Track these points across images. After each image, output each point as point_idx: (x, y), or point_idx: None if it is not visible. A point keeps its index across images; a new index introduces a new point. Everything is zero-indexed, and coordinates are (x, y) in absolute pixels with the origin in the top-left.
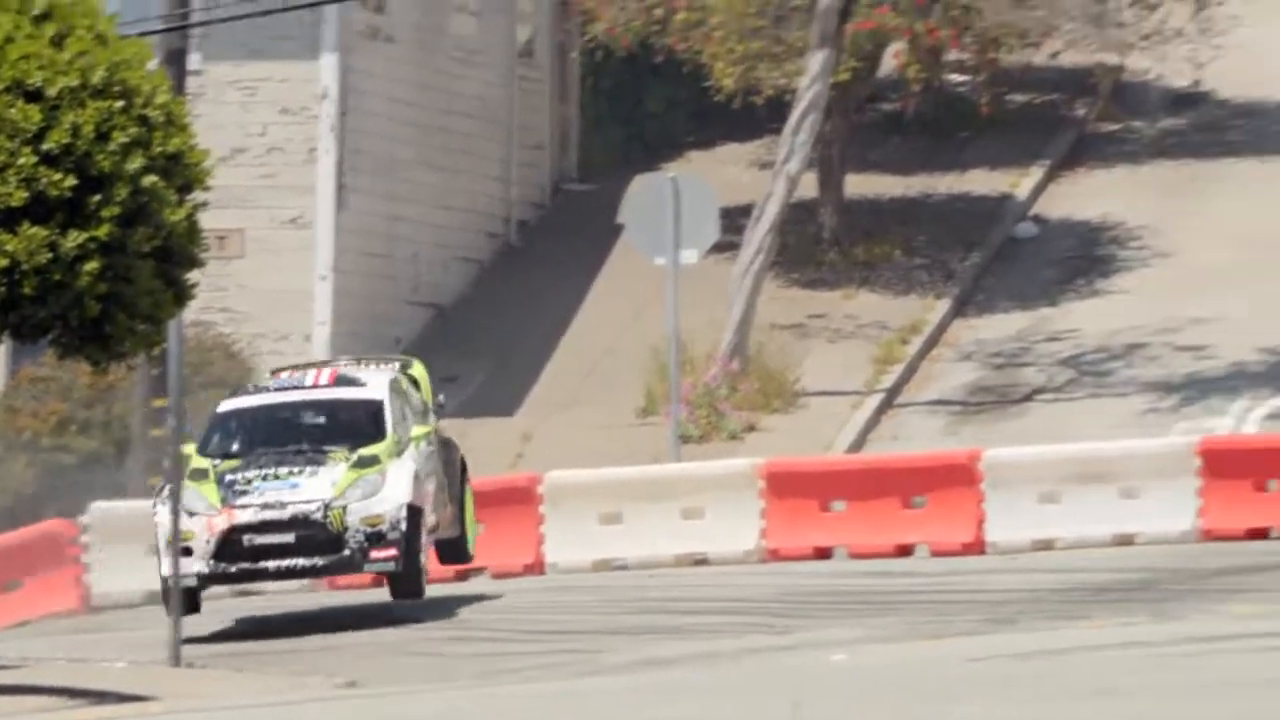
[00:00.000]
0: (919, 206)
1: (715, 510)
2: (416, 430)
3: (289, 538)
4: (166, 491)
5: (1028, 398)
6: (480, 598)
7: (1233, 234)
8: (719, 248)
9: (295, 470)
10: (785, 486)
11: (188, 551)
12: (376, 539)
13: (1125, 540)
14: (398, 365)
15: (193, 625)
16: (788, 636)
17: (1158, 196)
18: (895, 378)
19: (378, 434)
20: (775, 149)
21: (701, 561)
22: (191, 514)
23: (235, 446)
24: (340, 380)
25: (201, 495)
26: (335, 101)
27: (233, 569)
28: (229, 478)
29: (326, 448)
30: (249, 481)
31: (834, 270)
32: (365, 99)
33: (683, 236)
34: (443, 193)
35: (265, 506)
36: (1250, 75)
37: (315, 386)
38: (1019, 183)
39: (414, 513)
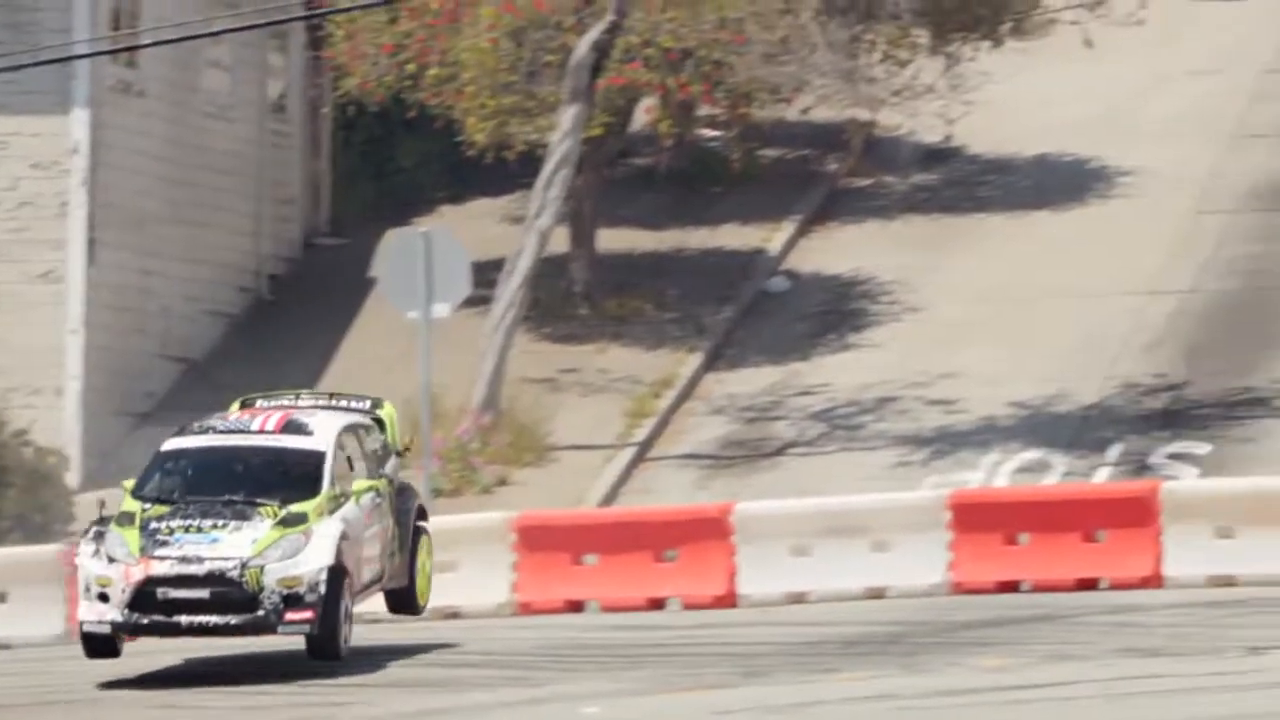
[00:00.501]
0: (671, 261)
1: (467, 563)
2: (359, 484)
3: (204, 594)
4: (92, 533)
5: (779, 451)
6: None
7: (983, 288)
8: (471, 302)
9: (219, 524)
10: (537, 540)
11: (104, 598)
12: (293, 601)
13: (877, 593)
14: (369, 403)
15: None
16: (540, 689)
17: (909, 251)
18: (647, 431)
19: (313, 488)
20: (527, 204)
21: (453, 615)
22: (112, 560)
23: (168, 490)
24: (288, 426)
25: (124, 542)
26: (86, 156)
27: (145, 621)
28: (153, 525)
29: (258, 500)
30: (171, 532)
31: (586, 324)
32: (116, 154)
33: (435, 291)
34: (194, 246)
35: (182, 560)
36: (1000, 131)
37: (260, 432)
38: (771, 237)
39: (335, 575)
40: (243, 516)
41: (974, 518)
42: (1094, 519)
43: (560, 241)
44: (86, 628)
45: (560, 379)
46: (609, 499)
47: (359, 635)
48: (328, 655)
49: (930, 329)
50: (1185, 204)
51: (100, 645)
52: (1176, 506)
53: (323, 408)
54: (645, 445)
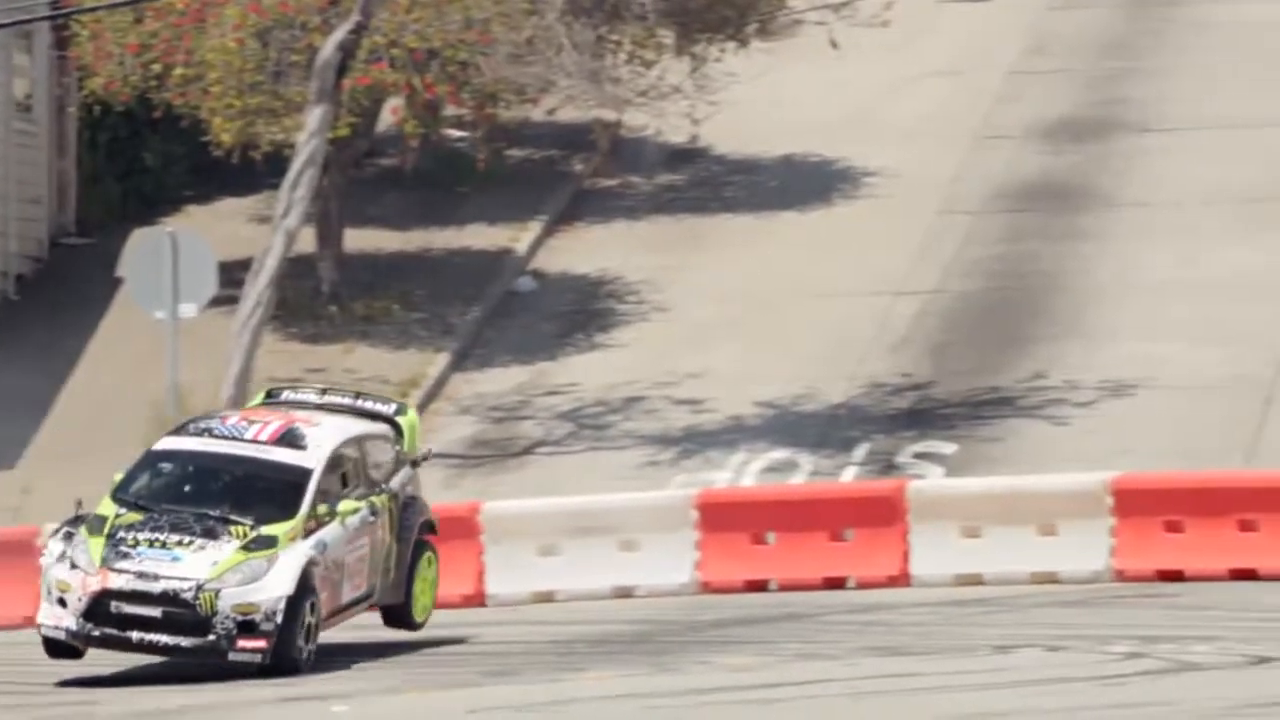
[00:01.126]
0: (418, 261)
1: None
2: (346, 505)
3: (156, 612)
4: (62, 533)
5: (527, 451)
6: None
7: (729, 288)
8: (218, 302)
9: (184, 541)
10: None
11: (63, 603)
12: (247, 628)
13: (625, 592)
14: (393, 408)
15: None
16: (290, 688)
17: (655, 251)
18: None
19: (292, 509)
20: (274, 203)
21: None
22: (74, 566)
23: (147, 495)
24: (283, 437)
25: (88, 549)
26: None
27: (98, 633)
28: (120, 535)
29: (232, 517)
30: (135, 545)
31: (333, 324)
32: None
33: (181, 290)
34: None
35: (139, 576)
36: (746, 132)
37: (254, 441)
38: (518, 237)
39: (294, 606)
40: (211, 535)
41: (721, 517)
42: (841, 518)
43: (307, 241)
44: (44, 631)
45: (307, 379)
46: None
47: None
48: (288, 672)
49: (677, 329)
50: (930, 205)
51: (61, 648)
52: (923, 506)
53: (344, 408)
54: None
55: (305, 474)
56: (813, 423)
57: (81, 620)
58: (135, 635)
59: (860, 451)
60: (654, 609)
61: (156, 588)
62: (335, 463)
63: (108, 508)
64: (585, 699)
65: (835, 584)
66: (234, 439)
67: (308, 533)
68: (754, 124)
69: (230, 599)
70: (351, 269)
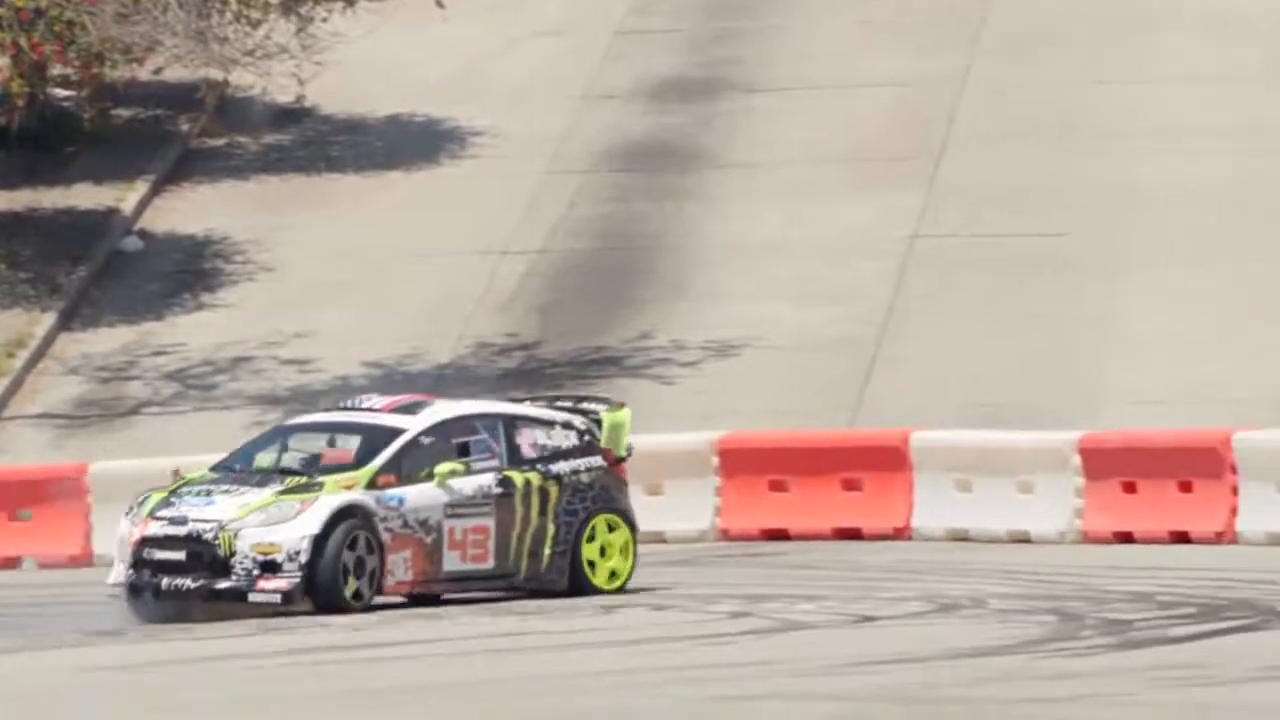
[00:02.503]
0: (24, 221)
1: None
2: (444, 467)
3: (180, 555)
4: (142, 496)
5: (134, 411)
6: None
7: (338, 249)
8: None
9: (232, 490)
10: None
11: (122, 558)
12: (269, 568)
13: None
14: (605, 405)
15: None
16: None
17: (262, 211)
18: (1, 391)
19: (366, 463)
20: None
21: None
22: (135, 522)
23: (241, 458)
24: (400, 408)
25: (148, 504)
26: None
27: (139, 582)
28: (183, 489)
29: (307, 474)
30: (184, 494)
31: None
32: None
33: None
34: None
35: (171, 521)
36: (353, 92)
37: (369, 410)
38: (124, 197)
39: (321, 545)
40: (265, 484)
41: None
42: None
43: None
44: (110, 591)
45: None
46: None
47: None
48: (337, 611)
49: (285, 289)
50: (537, 165)
51: (139, 612)
52: None
53: (550, 400)
54: None
55: (394, 433)
56: (421, 382)
57: (130, 572)
58: (165, 581)
59: None
60: None
61: (183, 530)
62: (445, 431)
63: (198, 473)
64: (186, 660)
65: None
66: (354, 409)
67: (380, 486)
68: (361, 84)
69: (250, 539)
70: None
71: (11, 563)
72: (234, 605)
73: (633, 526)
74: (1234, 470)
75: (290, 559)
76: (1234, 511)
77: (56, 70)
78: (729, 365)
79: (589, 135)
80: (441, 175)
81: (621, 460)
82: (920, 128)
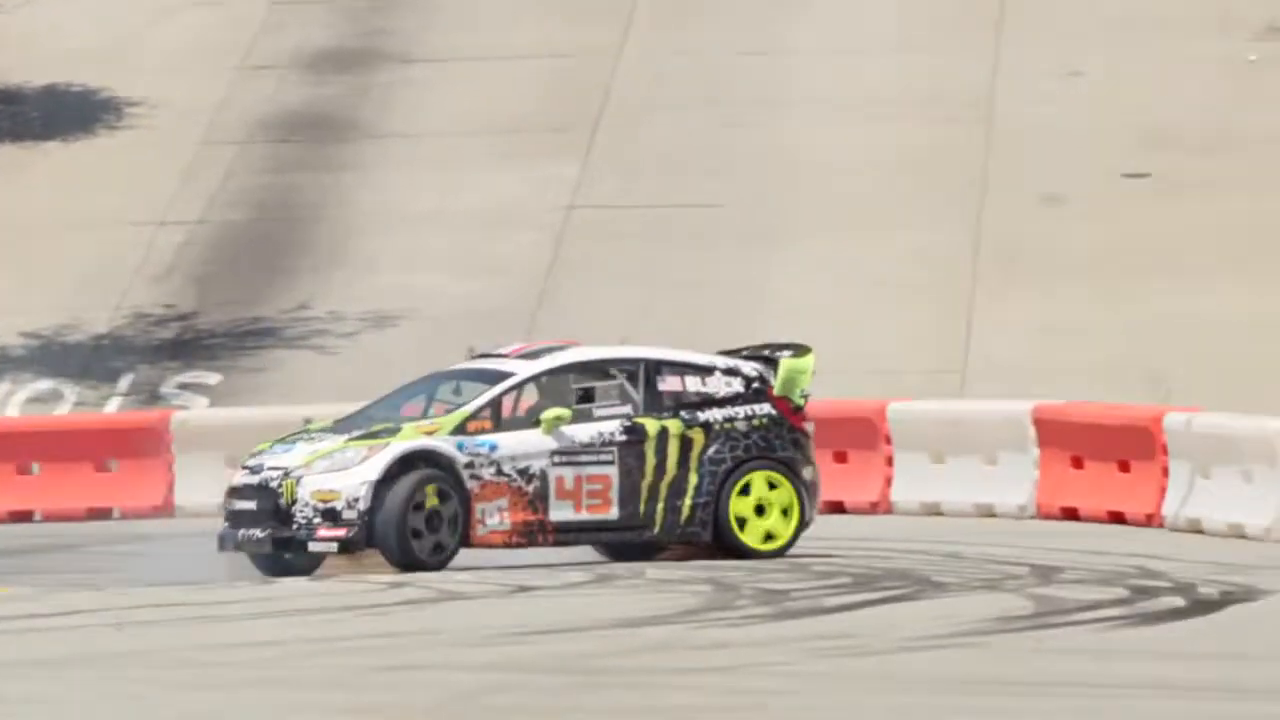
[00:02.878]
0: None
1: None
2: (551, 413)
3: (252, 505)
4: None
5: None
6: None
7: None
8: None
9: (324, 436)
10: None
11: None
12: (329, 516)
13: None
14: (787, 352)
15: None
16: None
17: None
18: None
19: (462, 407)
20: None
21: None
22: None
23: (373, 407)
24: (528, 353)
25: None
26: None
27: (225, 534)
28: (290, 437)
29: (416, 419)
30: (277, 444)
31: None
32: None
33: None
34: None
35: (251, 470)
36: (8, 61)
37: (499, 355)
38: None
39: (381, 491)
40: (343, 431)
41: None
42: (105, 449)
43: None
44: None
45: None
46: None
47: None
48: (411, 569)
49: None
50: (195, 135)
51: (261, 562)
52: (188, 436)
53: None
54: None
55: (499, 377)
56: (77, 353)
57: (225, 525)
58: (240, 533)
59: (125, 382)
60: None
61: (256, 479)
62: (564, 377)
63: (320, 422)
64: None
65: (100, 514)
66: (488, 355)
67: (472, 432)
68: (16, 53)
69: (311, 485)
70: None
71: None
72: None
73: (801, 484)
74: (889, 440)
75: (349, 506)
76: (889, 481)
77: None
78: (385, 336)
79: (246, 105)
80: (98, 145)
81: (799, 409)
82: (576, 98)
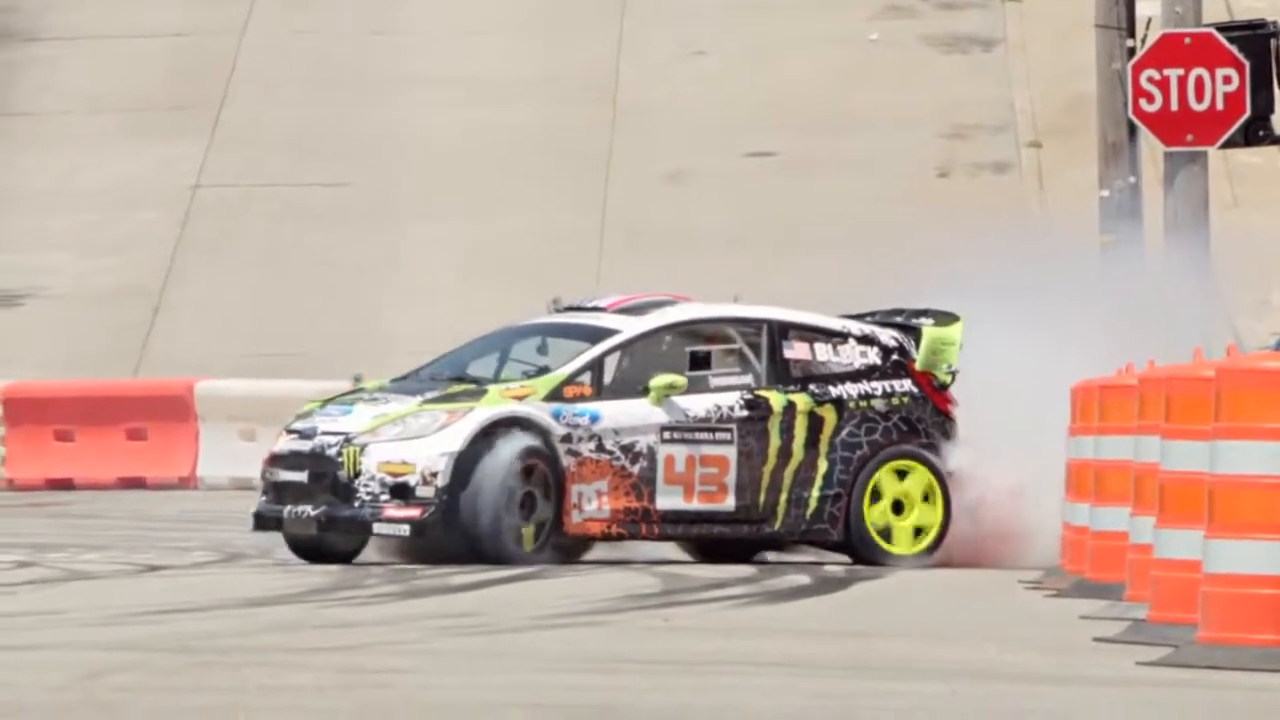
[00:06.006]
0: None
1: None
2: (660, 380)
3: (302, 476)
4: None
5: None
6: None
7: None
8: None
9: (379, 398)
10: None
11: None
12: (400, 493)
13: None
14: (929, 320)
15: None
16: None
17: None
18: None
19: (559, 368)
20: None
21: None
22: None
23: (439, 365)
24: (631, 307)
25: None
26: None
27: (267, 512)
28: (341, 398)
29: (478, 375)
30: (327, 404)
31: None
32: None
33: None
34: None
35: (301, 434)
36: None
37: (595, 309)
38: None
39: (464, 467)
40: (415, 392)
41: None
42: None
43: None
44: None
45: None
46: None
47: None
48: (468, 554)
49: None
50: None
51: (298, 545)
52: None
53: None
54: None
55: (601, 334)
56: None
57: (263, 499)
58: (287, 509)
59: None
60: None
61: (307, 446)
62: (677, 337)
63: (374, 382)
64: None
65: None
66: (578, 309)
67: (569, 399)
68: None
69: (378, 455)
70: None
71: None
72: (360, 539)
73: (934, 471)
74: (196, 417)
75: (425, 482)
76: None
77: None
78: (11, 315)
79: None
80: None
81: (944, 387)
82: (201, 77)
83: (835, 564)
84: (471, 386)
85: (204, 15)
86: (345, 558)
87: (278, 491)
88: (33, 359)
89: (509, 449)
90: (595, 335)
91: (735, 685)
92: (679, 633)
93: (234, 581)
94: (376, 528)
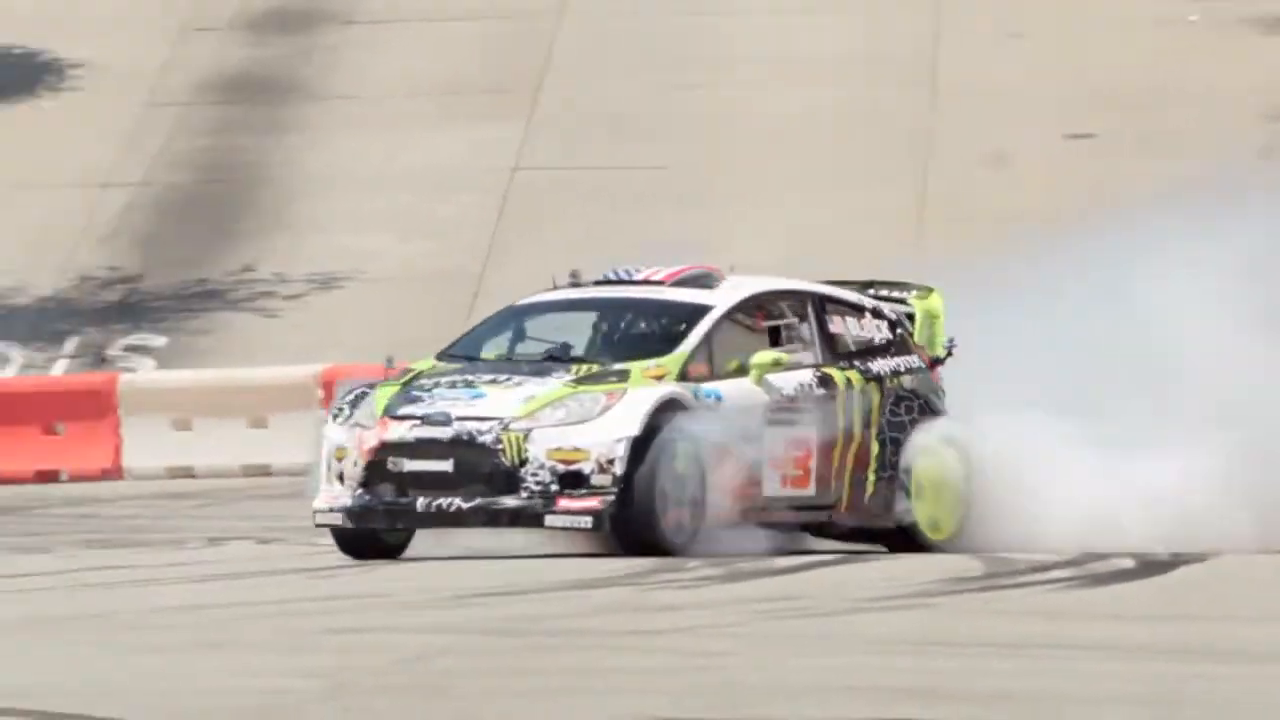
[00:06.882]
0: None
1: None
2: (764, 355)
3: (445, 465)
4: (353, 394)
5: None
6: None
7: None
8: None
9: (500, 380)
10: None
11: (340, 477)
12: (571, 481)
13: None
14: (913, 291)
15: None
16: None
17: None
18: None
19: (670, 349)
20: None
21: None
22: (355, 425)
23: (485, 348)
24: (688, 279)
25: (372, 401)
26: None
27: (377, 504)
28: (421, 382)
29: (591, 360)
30: (433, 388)
31: None
32: None
33: None
34: None
35: (425, 420)
36: None
37: (645, 282)
38: None
39: (640, 450)
40: (544, 373)
41: None
42: (53, 411)
43: None
44: (319, 519)
45: None
46: None
47: None
48: (652, 551)
49: None
50: (137, 97)
51: (348, 539)
52: (134, 398)
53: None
54: None
55: (701, 311)
56: (23, 316)
57: (359, 491)
58: (420, 501)
59: (71, 344)
60: None
61: (446, 433)
62: (756, 311)
63: (425, 364)
64: None
65: (48, 477)
66: (618, 282)
67: (694, 378)
68: None
69: (545, 442)
70: None
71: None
72: (528, 530)
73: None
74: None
75: (601, 470)
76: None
77: None
78: (332, 298)
79: (189, 67)
80: (40, 107)
81: (939, 362)
82: (517, 59)
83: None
84: (594, 367)
85: None
86: (390, 552)
87: (403, 482)
88: (355, 342)
89: (691, 441)
90: (690, 311)
91: (1056, 669)
92: (1000, 616)
93: (554, 565)
94: (549, 520)
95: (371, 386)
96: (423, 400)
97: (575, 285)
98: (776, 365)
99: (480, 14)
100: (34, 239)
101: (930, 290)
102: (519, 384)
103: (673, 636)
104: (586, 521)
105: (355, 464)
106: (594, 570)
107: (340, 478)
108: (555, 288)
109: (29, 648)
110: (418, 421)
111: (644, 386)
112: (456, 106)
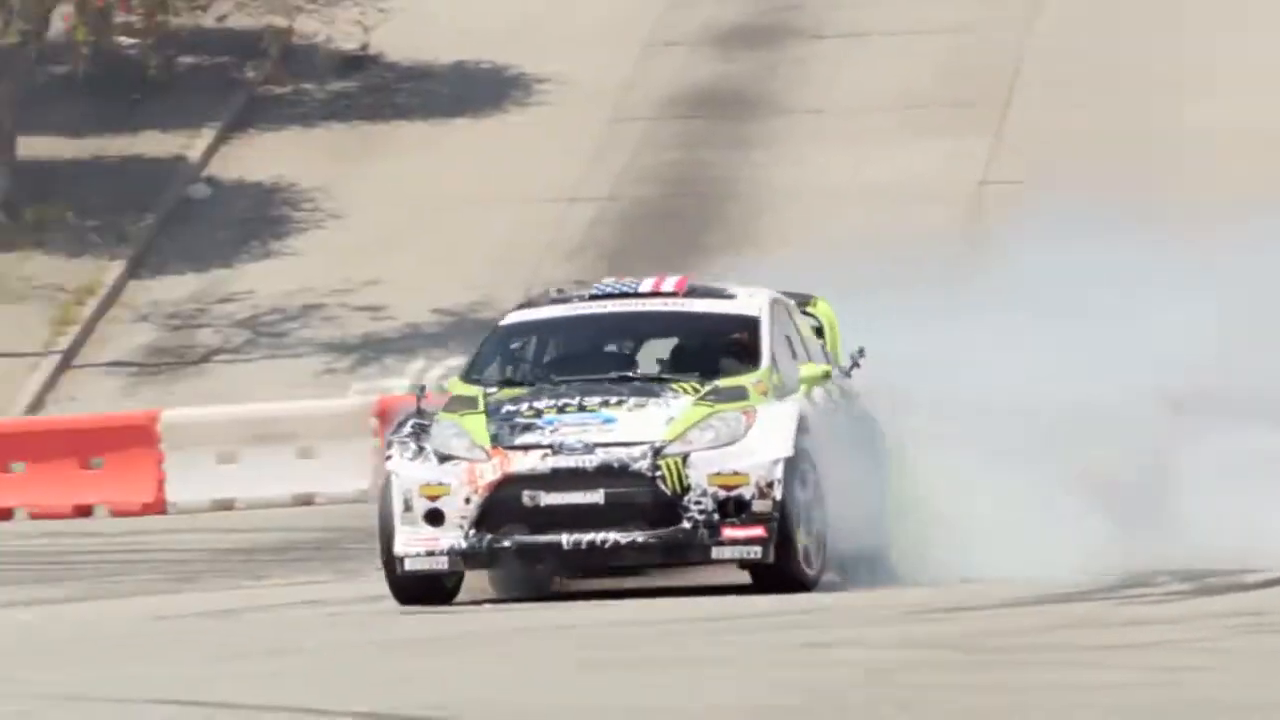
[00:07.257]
0: (92, 168)
1: None
2: (810, 369)
3: (595, 498)
4: (408, 427)
5: (205, 359)
6: None
7: (405, 196)
8: None
9: (612, 400)
10: None
11: (436, 517)
12: (736, 509)
13: (305, 500)
14: (792, 299)
15: None
16: None
17: (329, 158)
18: (72, 339)
19: (747, 362)
20: None
21: None
22: (445, 458)
23: (521, 371)
24: (695, 290)
25: (464, 431)
26: None
27: (506, 543)
28: (507, 409)
29: (667, 376)
30: (538, 414)
31: (6, 232)
32: None
33: None
34: None
35: (560, 450)
36: (418, 39)
37: (655, 294)
38: (191, 144)
39: (792, 471)
40: (647, 392)
41: None
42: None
43: None
44: (410, 564)
45: None
46: (35, 407)
47: None
48: (789, 585)
49: (354, 236)
50: (603, 112)
51: (423, 587)
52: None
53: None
54: (70, 353)
55: (751, 322)
56: (489, 330)
57: (474, 532)
58: (565, 538)
59: None
60: (333, 516)
61: (591, 461)
62: (777, 318)
63: (468, 389)
64: (268, 606)
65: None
66: (627, 296)
67: (781, 395)
68: (426, 31)
69: (705, 467)
70: (25, 177)
71: (85, 511)
72: (692, 567)
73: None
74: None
75: (761, 494)
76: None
77: (120, 18)
78: None
79: (653, 83)
80: (508, 122)
81: (848, 372)
82: (983, 73)
83: None
84: (698, 383)
85: (987, 11)
86: (447, 596)
87: (541, 519)
88: None
89: (803, 455)
90: (738, 323)
91: None
92: None
93: (1004, 581)
94: (716, 552)
95: (422, 415)
96: (539, 429)
97: (562, 300)
98: (826, 378)
99: (945, 28)
100: (500, 254)
101: (815, 299)
102: (641, 404)
103: (1138, 652)
104: (756, 551)
105: (467, 501)
106: (1056, 585)
107: (433, 517)
108: (531, 304)
109: (503, 660)
110: (548, 450)
111: (768, 404)
112: (921, 120)
